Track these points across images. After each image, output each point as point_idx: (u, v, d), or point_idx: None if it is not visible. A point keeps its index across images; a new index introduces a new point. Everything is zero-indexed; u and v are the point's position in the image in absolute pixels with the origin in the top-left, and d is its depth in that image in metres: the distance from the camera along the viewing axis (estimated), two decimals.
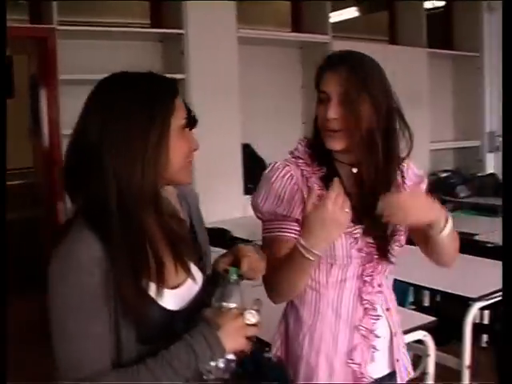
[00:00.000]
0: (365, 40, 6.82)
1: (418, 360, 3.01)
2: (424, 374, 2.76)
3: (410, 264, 3.64)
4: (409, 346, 2.66)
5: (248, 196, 4.84)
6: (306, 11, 6.15)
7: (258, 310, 1.49)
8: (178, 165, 1.47)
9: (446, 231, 1.72)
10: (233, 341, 1.44)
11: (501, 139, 7.24)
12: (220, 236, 4.21)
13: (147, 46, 5.14)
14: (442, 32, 7.59)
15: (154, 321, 1.44)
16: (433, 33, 7.00)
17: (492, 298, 3.05)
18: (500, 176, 6.73)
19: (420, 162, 7.03)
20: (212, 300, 1.48)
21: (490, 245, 4.32)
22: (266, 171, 1.88)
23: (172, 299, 1.49)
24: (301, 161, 1.85)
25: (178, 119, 1.47)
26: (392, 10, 7.10)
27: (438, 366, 3.40)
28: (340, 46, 5.86)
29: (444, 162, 7.30)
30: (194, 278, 1.57)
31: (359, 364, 1.86)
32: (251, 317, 1.47)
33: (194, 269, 1.59)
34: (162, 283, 1.44)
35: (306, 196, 1.76)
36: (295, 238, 1.72)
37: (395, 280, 3.16)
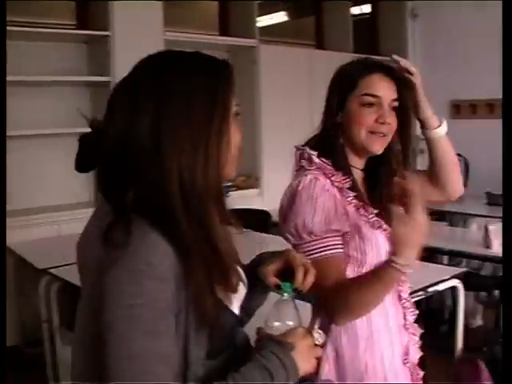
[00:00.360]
0: (293, 44, 6.91)
1: None
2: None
3: None
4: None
5: None
6: (234, 15, 6.20)
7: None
8: (232, 155, 1.30)
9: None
10: (305, 362, 1.30)
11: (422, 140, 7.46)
12: None
13: (72, 47, 5.08)
14: (368, 37, 7.76)
15: (226, 330, 1.31)
16: (359, 38, 7.15)
17: (414, 297, 3.12)
18: None
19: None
20: (268, 318, 1.36)
21: None
22: (300, 188, 1.80)
23: (235, 305, 1.36)
24: (328, 172, 1.82)
25: (233, 105, 1.31)
26: (319, 15, 7.21)
27: None
28: (267, 50, 5.98)
29: None
30: (243, 281, 1.41)
31: (414, 362, 1.91)
32: (319, 337, 1.36)
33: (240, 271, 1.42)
34: (231, 287, 1.28)
35: (344, 207, 1.78)
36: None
37: None
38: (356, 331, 1.83)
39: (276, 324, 1.34)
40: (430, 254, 4.83)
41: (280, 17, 7.36)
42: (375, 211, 1.82)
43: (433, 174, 2.05)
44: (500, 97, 7.04)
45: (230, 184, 5.74)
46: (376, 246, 1.80)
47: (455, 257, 5.01)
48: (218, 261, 1.23)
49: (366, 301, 1.71)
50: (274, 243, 4.54)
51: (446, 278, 3.35)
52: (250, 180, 5.88)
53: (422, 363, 1.94)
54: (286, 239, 1.84)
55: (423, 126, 1.98)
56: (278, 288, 1.41)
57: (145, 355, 1.11)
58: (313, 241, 1.77)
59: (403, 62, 1.90)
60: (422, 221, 1.58)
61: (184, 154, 1.21)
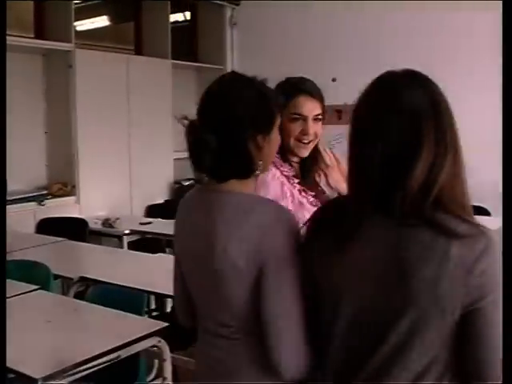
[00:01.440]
0: (113, 49, 6.81)
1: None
2: (163, 378, 2.79)
3: (147, 272, 3.74)
4: (146, 352, 2.73)
5: None
6: (50, 17, 5.97)
7: None
8: None
9: None
10: None
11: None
12: None
13: None
14: (188, 44, 7.82)
15: None
16: (178, 45, 7.19)
17: None
18: None
19: (164, 170, 7.18)
20: None
21: None
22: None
23: None
24: (277, 163, 2.29)
25: None
26: (138, 20, 7.16)
27: (181, 369, 3.51)
28: (83, 54, 5.84)
29: (188, 170, 7.39)
30: None
31: None
32: None
33: None
34: None
35: (291, 190, 2.28)
36: None
37: (132, 289, 3.20)
38: None
39: None
40: None
41: (102, 21, 7.26)
42: (312, 193, 2.33)
43: None
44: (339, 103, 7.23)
45: (45, 192, 5.55)
46: None
47: None
48: None
49: None
50: (92, 252, 4.46)
51: None
52: (66, 188, 5.71)
53: None
54: None
55: None
56: None
57: None
58: None
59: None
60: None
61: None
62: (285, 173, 2.30)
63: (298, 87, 2.41)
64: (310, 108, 2.33)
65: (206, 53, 7.82)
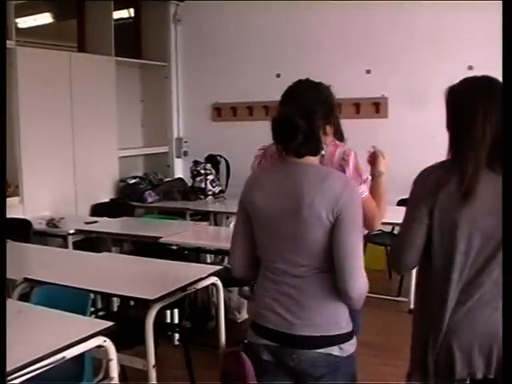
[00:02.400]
0: (56, 47, 6.72)
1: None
2: (110, 378, 2.79)
3: (93, 272, 3.72)
4: (92, 351, 2.72)
5: None
6: None
7: None
8: None
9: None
10: None
11: (185, 144, 7.69)
12: None
13: None
14: (131, 41, 7.77)
15: None
16: (122, 42, 7.13)
17: (172, 298, 3.20)
18: (187, 179, 7.10)
19: (109, 169, 7.13)
20: None
21: (174, 247, 4.54)
22: None
23: None
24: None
25: None
26: (81, 17, 7.07)
27: (128, 368, 3.51)
28: (25, 52, 5.75)
29: (134, 168, 7.47)
30: None
31: None
32: None
33: None
34: None
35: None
36: None
37: (78, 289, 3.19)
38: None
39: None
40: (196, 254, 4.98)
41: (44, 18, 7.14)
42: None
43: None
44: (258, 100, 7.28)
45: None
46: None
47: (219, 254, 5.20)
48: None
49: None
50: (36, 253, 4.42)
51: (203, 276, 3.44)
52: (10, 188, 5.62)
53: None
54: None
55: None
56: None
57: None
58: None
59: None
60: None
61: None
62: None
63: None
64: None
65: (150, 50, 7.79)
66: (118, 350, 2.73)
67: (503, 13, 2.16)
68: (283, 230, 2.26)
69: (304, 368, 2.26)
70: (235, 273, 2.51)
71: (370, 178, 2.84)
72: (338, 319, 2.27)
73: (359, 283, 2.20)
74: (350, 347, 2.30)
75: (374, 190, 2.79)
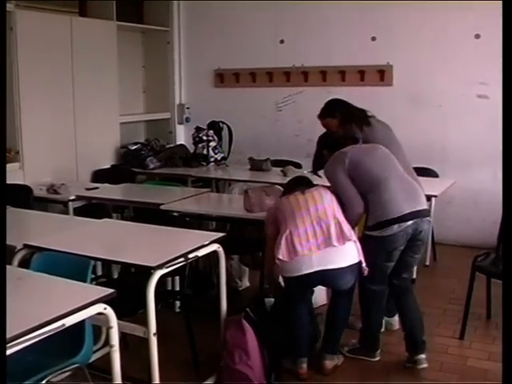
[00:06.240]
0: (55, 11, 6.62)
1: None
2: (110, 346, 2.78)
3: (93, 238, 3.70)
4: (92, 319, 2.70)
5: None
6: None
7: None
8: None
9: None
10: None
11: (187, 110, 7.63)
12: None
13: None
14: (133, 6, 7.65)
15: None
16: (123, 6, 7.01)
17: (174, 265, 3.17)
18: (189, 146, 7.05)
19: (110, 135, 7.07)
20: None
21: (175, 214, 4.51)
22: None
23: None
24: None
25: None
26: None
27: (129, 336, 3.50)
28: (24, 15, 5.65)
29: (135, 134, 7.44)
30: None
31: None
32: None
33: None
34: None
35: None
36: None
37: (78, 255, 3.16)
38: None
39: None
40: (198, 221, 4.96)
41: None
42: None
43: None
44: (262, 66, 7.23)
45: None
46: None
47: (221, 221, 5.17)
48: None
49: None
50: (37, 219, 4.39)
51: (205, 243, 3.41)
52: (10, 154, 5.58)
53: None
54: None
55: None
56: None
57: None
58: None
59: None
60: None
61: None
62: None
63: None
64: None
65: (152, 14, 7.69)
66: (118, 318, 2.71)
67: (503, 13, 2.13)
68: None
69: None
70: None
71: None
72: None
73: (356, 209, 3.68)
74: None
75: None
